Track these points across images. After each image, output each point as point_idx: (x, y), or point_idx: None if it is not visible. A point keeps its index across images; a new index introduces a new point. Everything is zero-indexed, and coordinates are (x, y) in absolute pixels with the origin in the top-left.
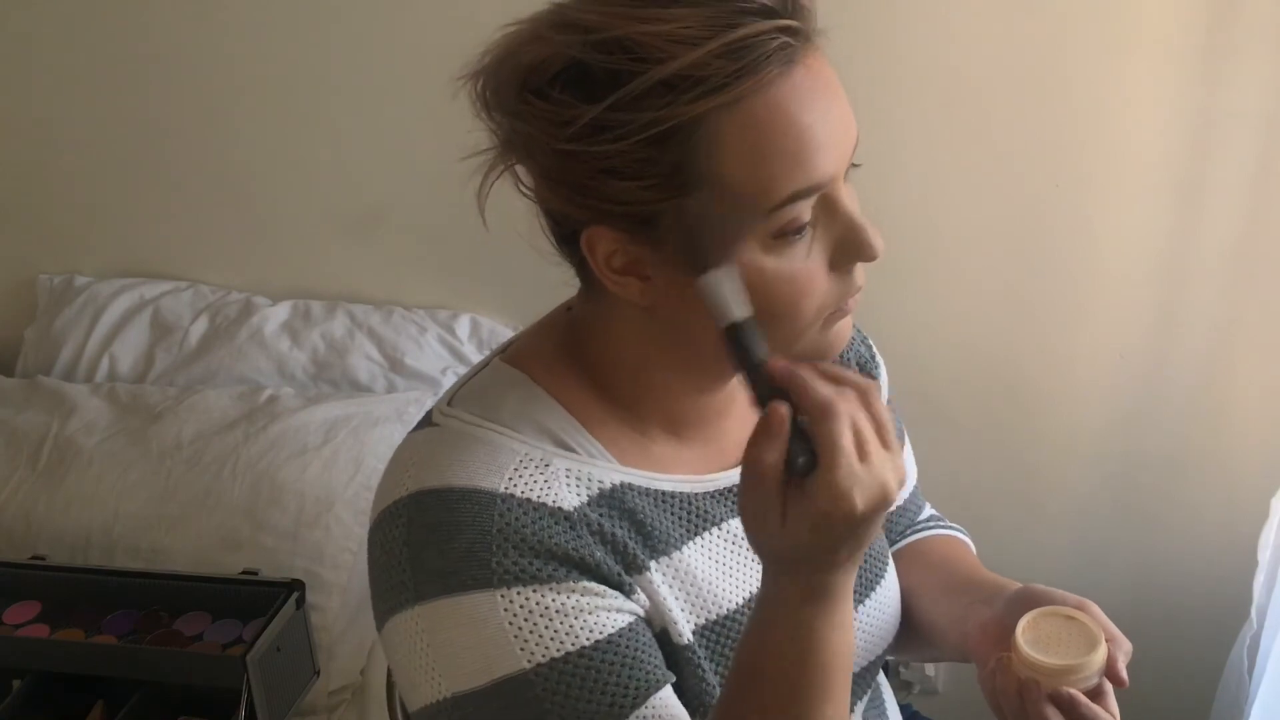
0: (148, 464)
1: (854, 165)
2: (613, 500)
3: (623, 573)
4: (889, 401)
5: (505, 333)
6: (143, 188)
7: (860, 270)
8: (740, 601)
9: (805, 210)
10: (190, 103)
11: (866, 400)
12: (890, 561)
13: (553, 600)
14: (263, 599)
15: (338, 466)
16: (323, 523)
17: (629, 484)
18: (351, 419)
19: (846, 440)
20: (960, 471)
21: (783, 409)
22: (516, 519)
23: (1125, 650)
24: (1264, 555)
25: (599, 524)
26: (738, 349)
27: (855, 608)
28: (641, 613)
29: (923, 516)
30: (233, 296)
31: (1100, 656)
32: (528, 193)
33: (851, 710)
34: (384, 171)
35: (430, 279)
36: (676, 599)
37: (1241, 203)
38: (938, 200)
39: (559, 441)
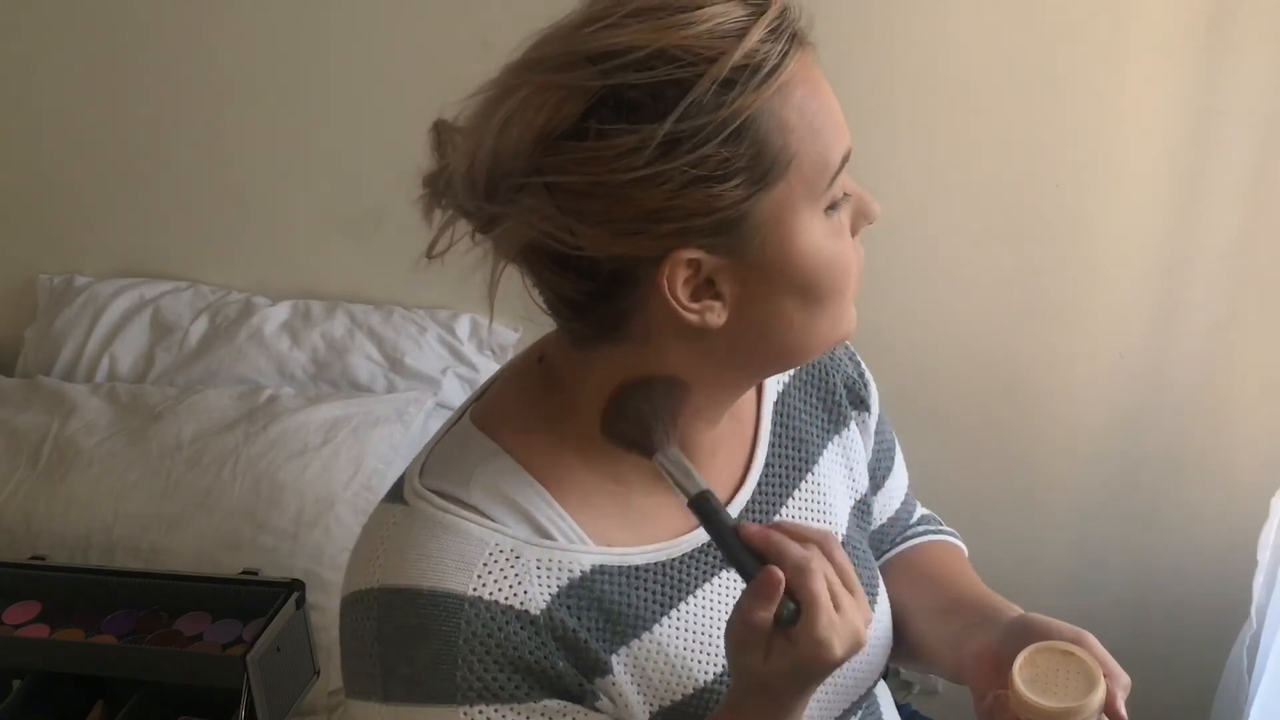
0: (148, 464)
1: None
2: (582, 590)
3: (584, 681)
4: (879, 417)
5: (505, 333)
6: (143, 188)
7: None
8: (713, 676)
9: (840, 182)
10: (190, 103)
11: (829, 550)
12: (881, 587)
13: (507, 715)
14: (263, 599)
15: (338, 466)
16: (323, 523)
17: (601, 566)
18: (351, 419)
19: (824, 595)
20: (960, 471)
21: (778, 574)
22: (484, 626)
23: (1124, 685)
24: (1264, 555)
25: (563, 625)
26: (710, 516)
27: None
28: (605, 719)
29: (915, 520)
30: (233, 296)
31: (1099, 697)
32: (535, 290)
33: None
34: (384, 171)
35: (430, 279)
36: (638, 690)
37: (1241, 202)
38: (937, 200)
39: (532, 523)
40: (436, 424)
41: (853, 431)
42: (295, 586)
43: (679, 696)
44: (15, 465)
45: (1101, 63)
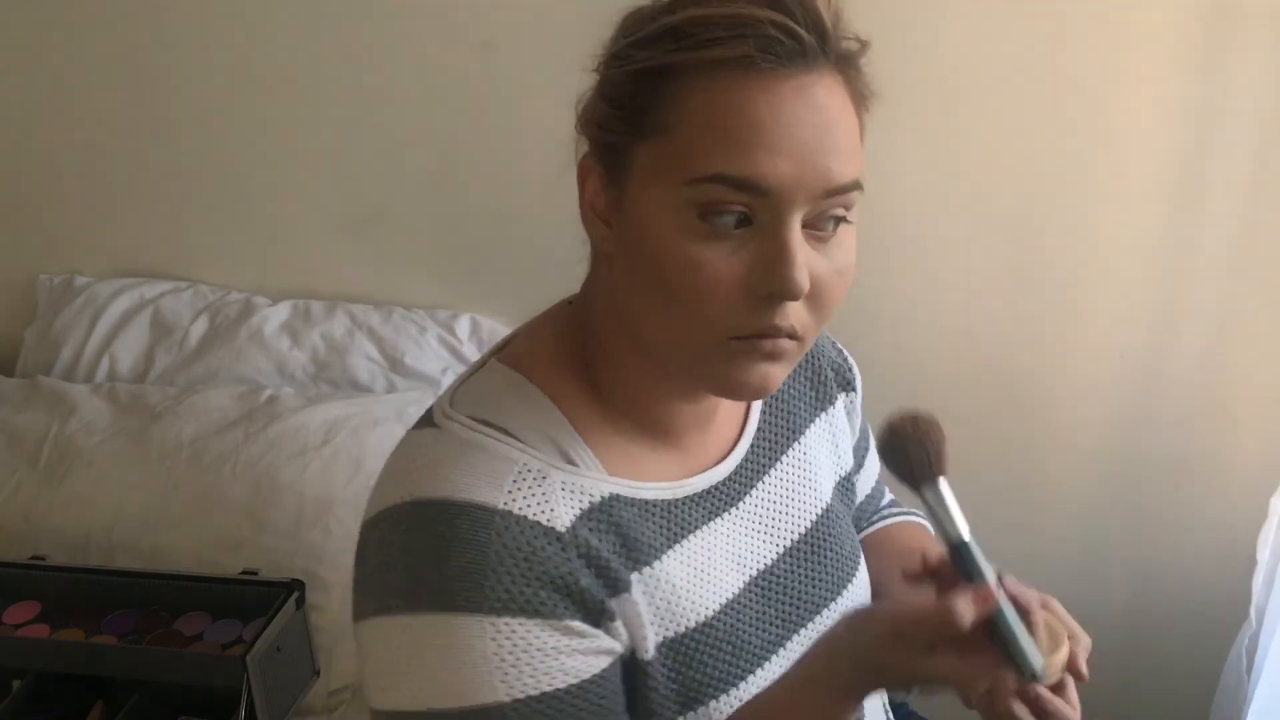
0: (148, 464)
1: (843, 219)
2: (601, 513)
3: (606, 599)
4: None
5: (505, 333)
6: (143, 188)
7: (790, 313)
8: (713, 611)
9: (731, 199)
10: (190, 103)
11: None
12: (861, 560)
13: (538, 636)
14: (263, 599)
15: (338, 466)
16: (323, 523)
17: (616, 495)
18: (351, 419)
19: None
20: (960, 470)
21: (993, 595)
22: (514, 539)
23: (1085, 645)
24: (1263, 554)
25: (587, 543)
26: (963, 563)
27: (827, 605)
28: (619, 649)
29: (885, 502)
30: (233, 296)
31: (1063, 655)
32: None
33: None
34: (384, 171)
35: (430, 279)
36: (650, 614)
37: (1241, 202)
38: (937, 200)
39: (557, 448)
40: None
41: (839, 410)
42: (295, 586)
43: (682, 629)
44: (15, 465)
45: (1102, 62)
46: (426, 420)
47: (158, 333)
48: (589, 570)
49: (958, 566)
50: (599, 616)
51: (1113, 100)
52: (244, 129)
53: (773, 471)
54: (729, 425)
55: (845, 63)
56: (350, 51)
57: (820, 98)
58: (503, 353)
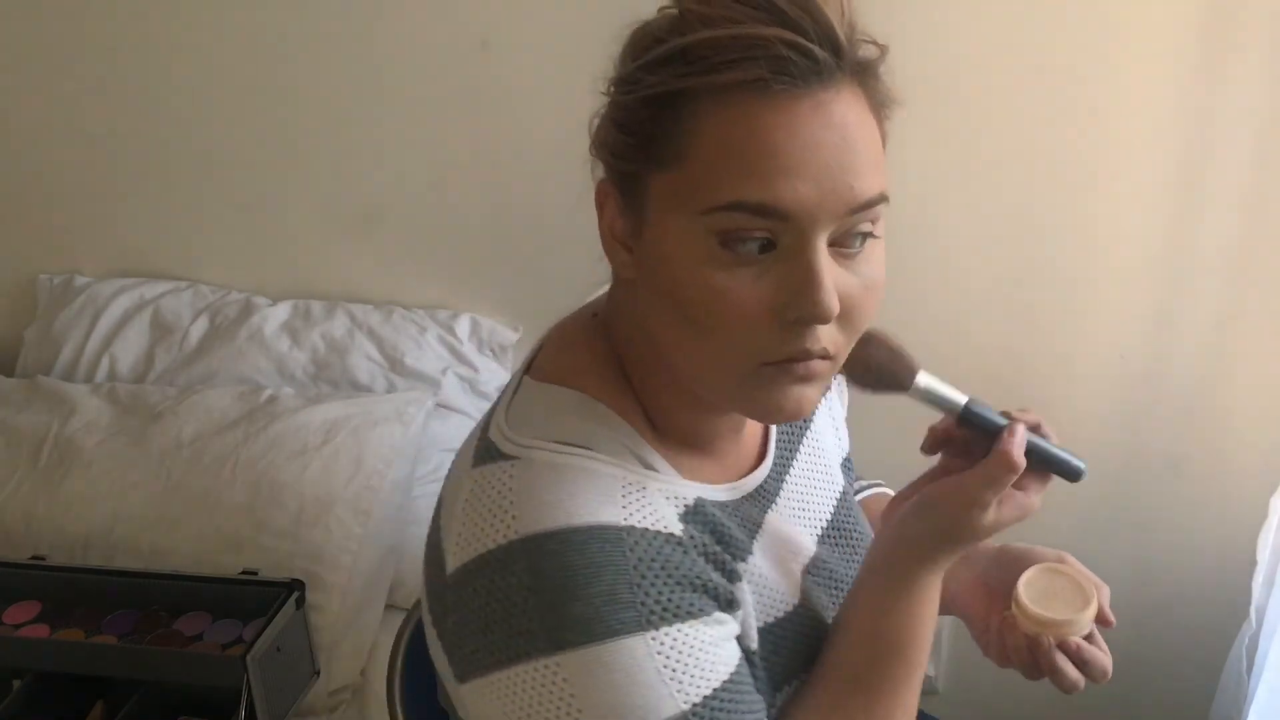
0: (148, 464)
1: (870, 235)
2: (696, 514)
3: (732, 591)
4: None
5: (505, 333)
6: (143, 188)
7: (818, 336)
8: (792, 606)
9: (752, 226)
10: (191, 103)
11: None
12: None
13: (695, 635)
14: (263, 599)
15: (338, 466)
16: (323, 523)
17: (700, 497)
18: (351, 419)
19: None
20: None
21: (1021, 430)
22: (645, 551)
23: (1105, 594)
24: (1263, 554)
25: (702, 543)
26: (978, 422)
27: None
28: (739, 631)
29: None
30: (233, 296)
31: (1094, 609)
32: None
33: None
34: (384, 171)
35: (430, 279)
36: (754, 603)
37: (1241, 202)
38: (937, 200)
39: (639, 458)
40: (437, 424)
41: (833, 393)
42: (295, 586)
43: (772, 618)
44: (15, 465)
45: (1102, 62)
46: (491, 454)
47: (158, 333)
48: (710, 566)
49: (975, 425)
50: (730, 607)
51: (1112, 100)
52: (244, 129)
53: (795, 463)
54: (755, 433)
55: (863, 72)
56: (350, 52)
57: (838, 114)
58: (537, 370)
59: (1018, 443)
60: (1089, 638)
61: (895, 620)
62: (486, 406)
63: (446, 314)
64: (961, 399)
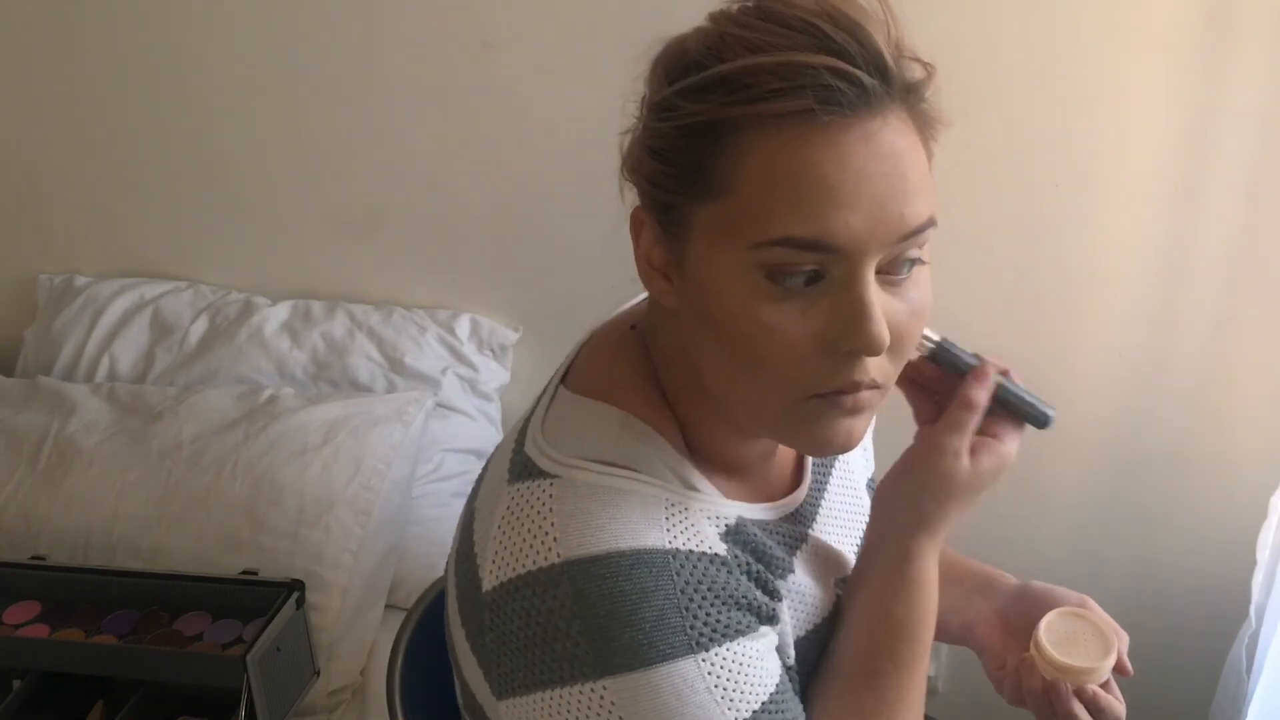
0: (148, 464)
1: (917, 260)
2: (737, 534)
3: (775, 609)
4: None
5: (505, 333)
6: (143, 188)
7: (867, 367)
8: (827, 614)
9: (801, 260)
10: (191, 103)
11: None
12: None
13: (742, 652)
14: (263, 599)
15: (338, 466)
16: (323, 523)
17: (741, 517)
18: (351, 419)
19: None
20: None
21: (989, 371)
22: (691, 573)
23: (1124, 641)
24: (1263, 554)
25: (745, 561)
26: (948, 360)
27: None
28: (779, 643)
29: None
30: (233, 296)
31: (1114, 655)
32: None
33: None
34: (384, 171)
35: (430, 279)
36: (790, 621)
37: (1241, 202)
38: (937, 200)
39: (680, 478)
40: (437, 424)
41: None
42: (295, 586)
43: (808, 628)
44: (15, 465)
45: (1101, 62)
46: (529, 471)
47: (158, 333)
48: (753, 584)
49: (944, 364)
50: (771, 621)
51: (1112, 100)
52: (244, 129)
53: (830, 484)
54: (788, 458)
55: (912, 95)
56: (351, 52)
57: (888, 143)
58: (573, 381)
59: (977, 384)
60: (1105, 685)
61: (898, 598)
62: (487, 407)
63: (446, 314)
64: (936, 336)
